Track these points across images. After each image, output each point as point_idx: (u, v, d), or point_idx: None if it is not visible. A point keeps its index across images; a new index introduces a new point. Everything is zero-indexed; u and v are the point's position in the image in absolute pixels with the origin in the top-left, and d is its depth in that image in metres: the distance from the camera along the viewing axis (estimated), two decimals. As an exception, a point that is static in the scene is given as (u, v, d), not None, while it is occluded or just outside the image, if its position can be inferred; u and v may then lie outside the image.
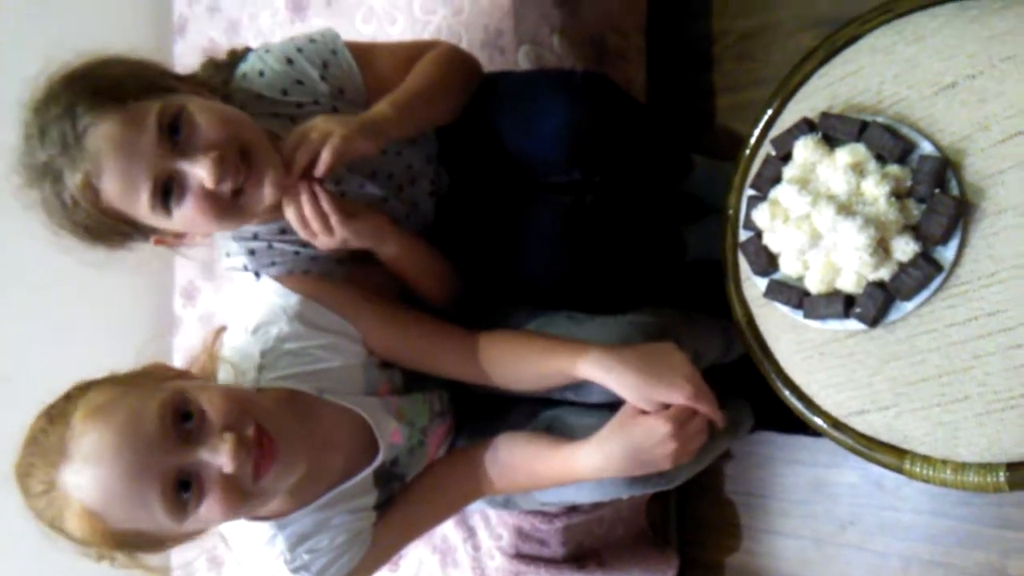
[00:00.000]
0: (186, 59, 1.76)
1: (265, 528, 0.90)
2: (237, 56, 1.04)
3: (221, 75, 1.02)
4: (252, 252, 1.02)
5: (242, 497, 0.79)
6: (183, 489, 0.76)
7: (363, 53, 1.08)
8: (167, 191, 0.85)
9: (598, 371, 0.92)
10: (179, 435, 0.76)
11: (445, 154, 1.18)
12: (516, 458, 0.99)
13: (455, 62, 1.12)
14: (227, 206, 0.88)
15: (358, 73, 1.06)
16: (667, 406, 0.91)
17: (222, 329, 0.97)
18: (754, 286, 0.94)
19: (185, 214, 0.86)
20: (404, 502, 1.01)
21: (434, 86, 1.06)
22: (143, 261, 1.81)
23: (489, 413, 1.11)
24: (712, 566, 1.50)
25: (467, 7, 1.28)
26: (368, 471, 0.95)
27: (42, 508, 0.77)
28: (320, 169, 0.89)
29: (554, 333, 1.01)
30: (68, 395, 0.79)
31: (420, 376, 1.07)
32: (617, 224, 1.14)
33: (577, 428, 0.98)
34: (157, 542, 0.80)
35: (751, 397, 1.26)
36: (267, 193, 0.89)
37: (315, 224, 0.90)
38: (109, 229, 0.86)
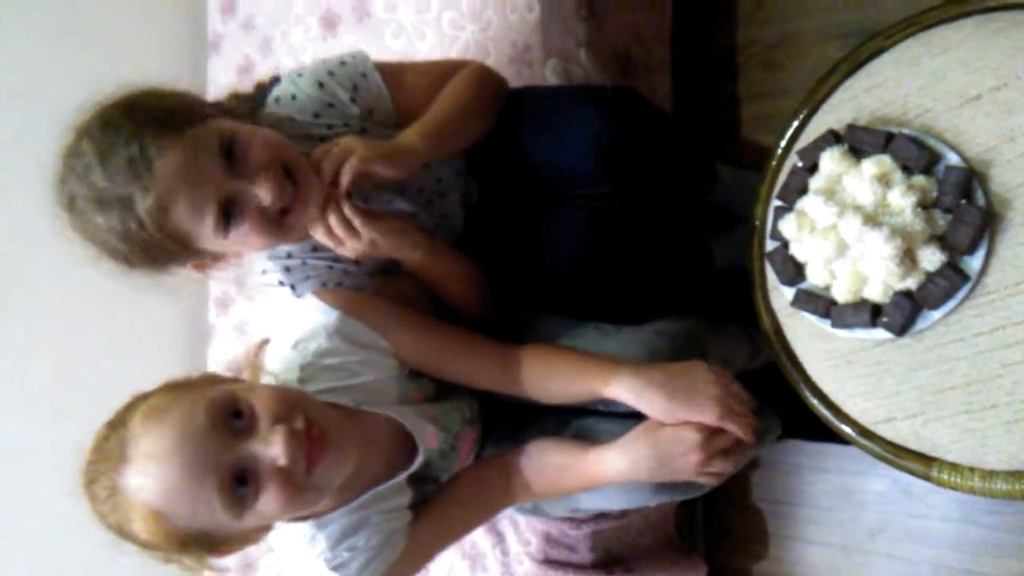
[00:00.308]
0: (220, 75, 1.81)
1: (306, 528, 0.92)
2: (264, 88, 1.08)
3: (247, 104, 1.06)
4: (288, 269, 1.05)
5: (297, 489, 0.81)
6: (240, 484, 0.78)
7: (393, 74, 1.10)
8: (228, 212, 0.89)
9: (627, 393, 0.94)
10: (232, 432, 0.79)
11: (474, 166, 1.20)
12: (545, 462, 1.01)
13: (484, 83, 1.13)
14: (278, 224, 0.92)
15: (388, 96, 1.09)
16: None
17: (265, 342, 1.00)
18: (781, 296, 0.95)
19: (241, 233, 0.90)
20: (438, 509, 1.03)
21: (464, 110, 1.09)
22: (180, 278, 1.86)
23: (517, 421, 1.13)
24: (739, 573, 1.50)
25: (495, 22, 1.31)
26: (407, 473, 0.97)
27: (107, 513, 0.79)
28: (341, 184, 0.93)
29: (583, 347, 1.02)
30: (128, 404, 0.82)
31: (451, 384, 1.09)
32: (644, 236, 1.16)
33: (605, 435, 1.00)
34: (221, 542, 0.82)
35: (778, 405, 1.27)
36: (312, 212, 0.94)
37: (340, 230, 0.94)
38: (162, 253, 0.89)
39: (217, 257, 0.97)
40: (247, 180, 0.89)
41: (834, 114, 0.93)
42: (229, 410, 0.80)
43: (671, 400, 0.92)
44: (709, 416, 0.92)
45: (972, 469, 0.84)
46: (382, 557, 0.94)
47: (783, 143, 1.00)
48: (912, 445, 0.88)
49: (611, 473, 0.96)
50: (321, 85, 1.05)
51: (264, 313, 1.73)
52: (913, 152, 0.81)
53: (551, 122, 1.10)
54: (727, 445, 0.94)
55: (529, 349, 1.03)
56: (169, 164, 0.83)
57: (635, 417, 0.97)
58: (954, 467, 0.85)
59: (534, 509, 1.13)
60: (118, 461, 0.77)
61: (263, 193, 0.89)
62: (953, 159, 0.81)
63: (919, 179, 0.81)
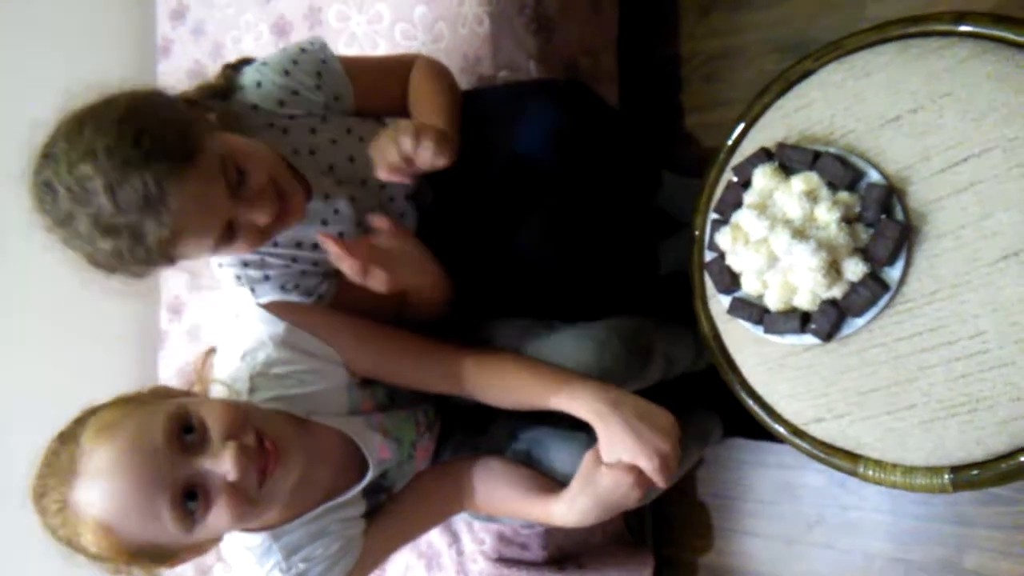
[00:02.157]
0: (169, 80, 1.80)
1: (260, 539, 0.93)
2: (230, 74, 1.08)
3: (218, 95, 1.06)
4: (245, 264, 1.06)
5: (248, 503, 0.82)
6: (190, 499, 0.79)
7: (350, 65, 1.12)
8: (228, 233, 0.91)
9: (590, 415, 0.96)
10: (183, 447, 0.80)
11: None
12: (496, 495, 1.05)
13: (448, 74, 1.18)
14: (267, 234, 0.96)
15: (348, 82, 1.11)
16: None
17: (211, 351, 1.01)
18: (719, 303, 1.00)
19: (234, 248, 0.94)
20: (391, 514, 1.05)
21: (455, 98, 1.14)
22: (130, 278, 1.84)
23: (473, 428, 1.16)
24: (686, 566, 1.55)
25: (447, 35, 1.34)
26: (360, 487, 0.98)
27: (58, 526, 0.79)
28: (434, 163, 0.96)
29: (540, 349, 1.04)
30: (78, 418, 0.83)
31: (403, 393, 1.10)
32: (597, 234, 1.20)
33: (556, 462, 1.04)
34: (171, 554, 0.83)
35: (720, 406, 1.32)
36: (294, 221, 0.98)
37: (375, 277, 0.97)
38: (152, 270, 0.90)
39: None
40: (246, 204, 0.91)
41: (767, 132, 0.98)
42: (181, 426, 0.81)
43: (627, 436, 0.93)
44: (647, 464, 0.93)
45: (894, 465, 0.90)
46: (340, 565, 0.96)
47: (720, 159, 1.05)
48: (840, 443, 0.93)
49: (562, 523, 1.00)
50: (286, 72, 1.06)
51: (216, 318, 1.72)
52: (838, 170, 0.87)
53: (503, 115, 1.13)
54: (660, 477, 0.96)
55: (488, 356, 1.04)
56: (184, 198, 0.84)
57: (583, 433, 1.01)
58: (878, 463, 0.90)
59: (487, 516, 1.16)
60: (68, 475, 0.78)
61: (261, 216, 0.92)
62: (874, 176, 0.86)
63: (843, 195, 0.86)
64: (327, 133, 1.09)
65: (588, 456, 0.97)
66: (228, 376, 0.96)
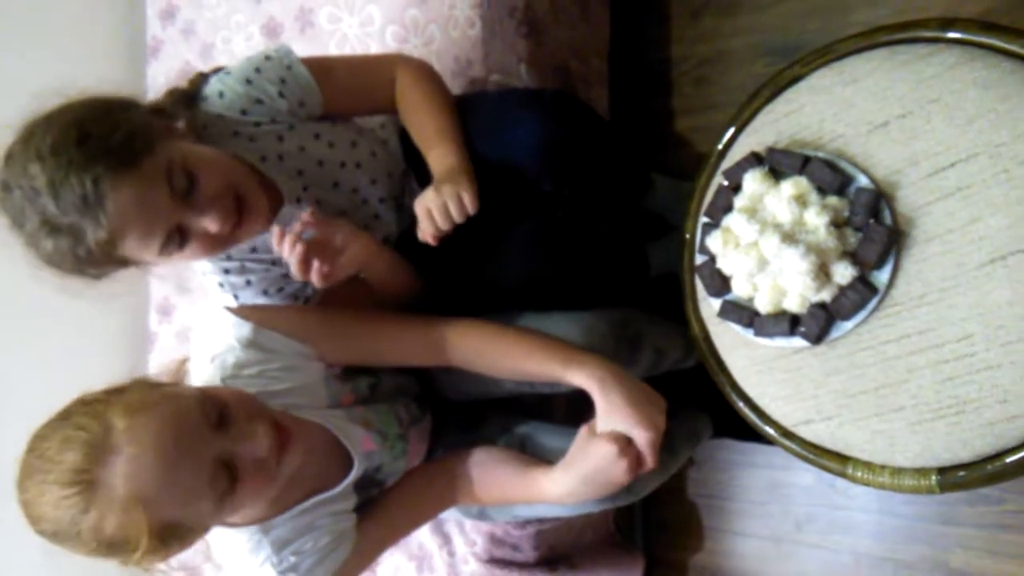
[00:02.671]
0: (159, 80, 1.79)
1: (249, 534, 0.94)
2: (197, 84, 1.08)
3: (184, 103, 1.06)
4: (227, 271, 1.07)
5: (271, 480, 0.85)
6: (222, 476, 0.81)
7: (320, 68, 1.11)
8: (175, 238, 0.92)
9: (589, 381, 0.96)
10: (212, 427, 0.82)
11: (417, 171, 1.22)
12: (489, 477, 1.05)
13: (433, 76, 1.18)
14: (225, 241, 0.96)
15: (316, 87, 1.10)
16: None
17: (184, 361, 1.01)
18: (710, 306, 1.01)
19: (187, 254, 0.94)
20: (384, 510, 1.06)
21: (449, 103, 1.15)
22: (120, 280, 1.83)
23: (464, 422, 1.16)
24: (676, 565, 1.56)
25: (438, 37, 1.34)
26: (349, 480, 0.99)
27: (79, 515, 0.77)
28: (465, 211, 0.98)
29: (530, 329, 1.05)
30: (90, 401, 0.82)
31: (385, 388, 1.11)
32: (585, 241, 1.20)
33: (550, 452, 1.04)
34: (186, 535, 0.84)
35: (710, 407, 1.33)
36: (258, 228, 0.98)
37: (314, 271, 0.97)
38: (105, 271, 0.92)
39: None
40: (196, 211, 0.91)
41: (756, 137, 0.99)
42: (215, 406, 0.83)
43: (626, 405, 0.94)
44: (643, 434, 0.93)
45: (883, 466, 0.91)
46: (332, 559, 0.97)
47: (711, 163, 1.06)
48: (829, 445, 0.94)
49: (553, 497, 1.00)
50: (248, 81, 1.06)
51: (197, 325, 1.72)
52: (827, 175, 0.88)
53: (493, 124, 1.13)
54: (647, 446, 0.96)
55: (479, 324, 1.05)
56: (121, 201, 0.85)
57: (574, 423, 1.02)
58: (867, 465, 0.91)
59: (480, 514, 1.16)
60: (102, 454, 0.76)
61: (212, 224, 0.92)
62: (863, 181, 0.87)
63: (832, 200, 0.87)
64: (295, 140, 1.09)
65: (582, 429, 0.98)
66: (201, 380, 0.97)
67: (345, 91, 1.14)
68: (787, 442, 0.97)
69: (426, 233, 0.99)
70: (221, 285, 1.08)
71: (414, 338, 1.06)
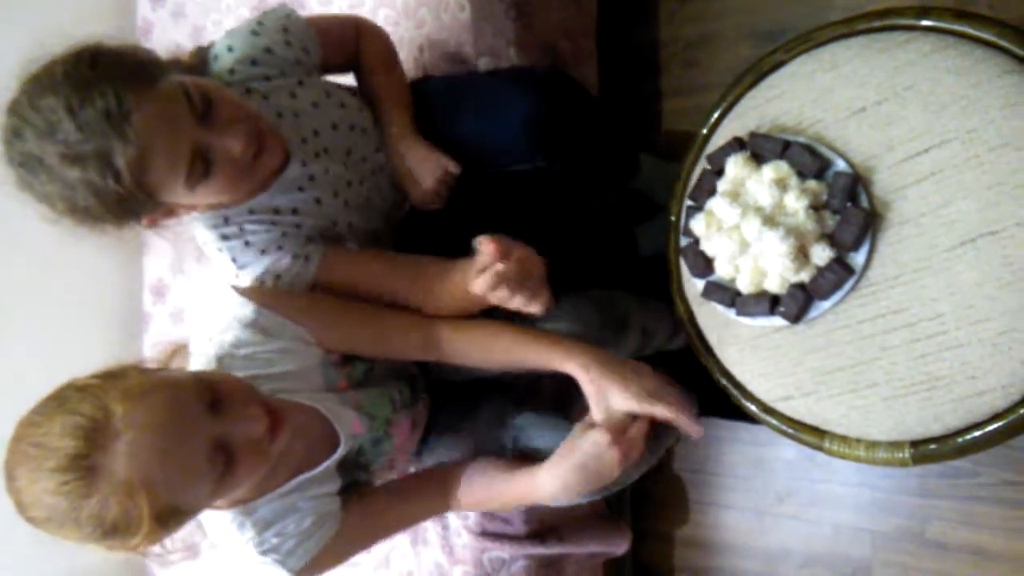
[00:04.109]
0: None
1: (232, 515, 0.95)
2: (203, 53, 1.09)
3: (199, 71, 1.06)
4: (225, 237, 1.05)
5: (266, 461, 0.87)
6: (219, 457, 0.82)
7: (308, 22, 1.14)
8: (200, 163, 0.90)
9: (577, 369, 1.00)
10: (210, 409, 0.83)
11: None
12: (481, 481, 1.07)
13: (392, 48, 1.24)
14: (248, 172, 0.96)
15: (314, 35, 1.12)
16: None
17: (177, 348, 1.01)
18: (694, 286, 1.04)
19: (212, 185, 0.92)
20: (373, 508, 1.06)
21: (404, 74, 1.21)
22: (113, 261, 1.84)
23: (457, 410, 1.19)
24: (663, 537, 1.61)
25: (428, 21, 1.35)
26: (331, 461, 1.00)
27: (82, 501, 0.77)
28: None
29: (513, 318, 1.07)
30: (88, 388, 0.80)
31: (380, 372, 1.12)
32: (576, 222, 1.22)
33: (540, 445, 1.07)
34: (183, 517, 0.84)
35: (695, 385, 1.36)
36: (275, 162, 0.99)
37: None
38: (129, 207, 0.88)
39: (171, 212, 0.97)
40: (217, 131, 0.90)
41: (739, 122, 1.01)
42: (209, 390, 0.83)
43: (614, 383, 0.97)
44: (641, 405, 0.97)
45: (858, 440, 0.94)
46: (312, 540, 0.97)
47: (695, 146, 1.08)
48: (807, 420, 0.97)
49: (545, 494, 1.01)
50: (255, 33, 1.07)
51: (199, 300, 1.74)
52: (806, 159, 0.90)
53: (485, 102, 1.15)
54: (640, 432, 0.99)
55: (468, 320, 1.08)
56: (147, 114, 0.83)
57: (566, 416, 1.06)
58: (843, 439, 0.95)
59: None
60: (104, 439, 0.76)
61: (234, 143, 0.91)
62: (841, 165, 0.90)
63: (811, 183, 0.90)
64: (307, 97, 1.10)
65: (577, 425, 1.00)
66: (198, 360, 0.97)
67: (328, 45, 1.16)
68: (768, 417, 1.01)
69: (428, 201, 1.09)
70: (220, 251, 1.06)
71: (409, 333, 1.08)
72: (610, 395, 0.98)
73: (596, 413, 0.99)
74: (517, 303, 0.99)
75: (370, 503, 1.06)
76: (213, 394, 0.84)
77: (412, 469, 1.24)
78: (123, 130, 0.82)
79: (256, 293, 1.02)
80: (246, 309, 0.98)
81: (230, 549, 0.97)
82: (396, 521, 1.10)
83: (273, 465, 0.92)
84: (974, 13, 0.87)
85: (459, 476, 1.08)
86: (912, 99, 0.87)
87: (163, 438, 0.78)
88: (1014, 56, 0.86)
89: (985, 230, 0.82)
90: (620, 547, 1.44)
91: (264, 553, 0.95)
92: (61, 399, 0.80)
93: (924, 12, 0.90)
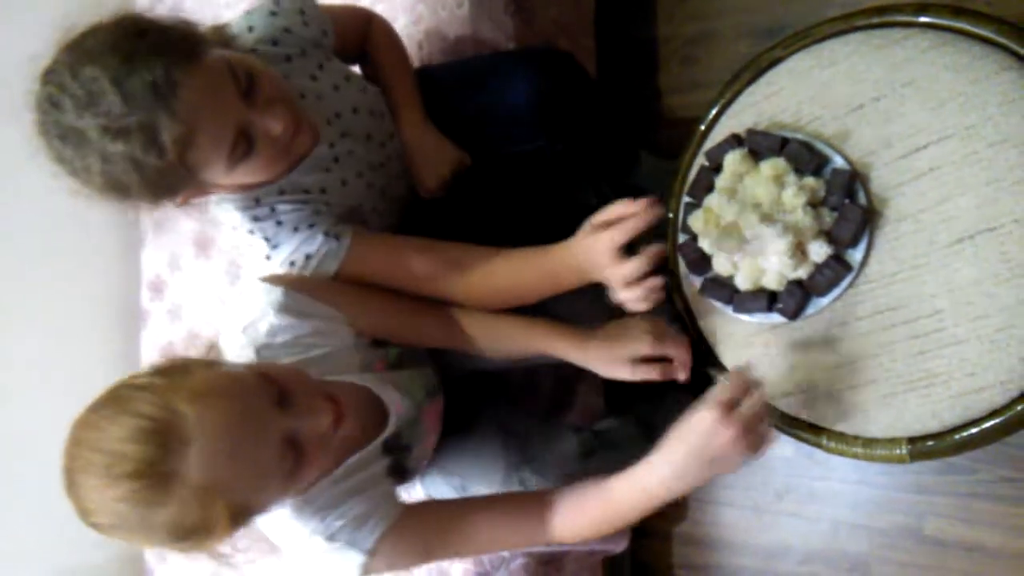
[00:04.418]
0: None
1: (292, 509, 0.91)
2: (223, 31, 1.06)
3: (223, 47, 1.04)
4: (256, 218, 1.03)
5: (331, 450, 0.85)
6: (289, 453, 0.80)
7: (323, 11, 1.14)
8: (242, 142, 0.88)
9: (572, 349, 1.03)
10: (277, 405, 0.80)
11: None
12: (587, 494, 0.96)
13: (401, 43, 1.24)
14: (285, 152, 0.94)
15: (329, 20, 1.12)
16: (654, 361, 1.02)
17: (213, 346, 0.99)
18: (692, 283, 1.04)
19: (251, 164, 0.91)
20: (465, 520, 0.98)
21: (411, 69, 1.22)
22: (111, 257, 1.84)
23: (459, 414, 1.18)
24: (661, 534, 1.61)
25: (426, 16, 1.35)
26: (383, 437, 0.98)
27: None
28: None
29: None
30: (159, 389, 0.77)
31: (411, 355, 1.12)
32: (577, 216, 1.22)
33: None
34: (255, 516, 0.82)
35: (694, 383, 1.36)
36: (309, 142, 0.98)
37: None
38: (169, 183, 0.86)
39: (203, 191, 0.95)
40: (259, 110, 0.89)
41: (737, 118, 1.01)
42: (273, 384, 0.81)
43: (607, 348, 1.01)
44: (645, 346, 0.98)
45: (856, 437, 0.94)
46: (377, 518, 0.93)
47: (693, 143, 1.08)
48: (804, 416, 0.97)
49: (658, 486, 0.89)
50: (273, 13, 1.05)
51: (198, 297, 1.74)
52: (804, 156, 0.90)
53: (488, 82, 1.16)
54: (750, 412, 0.84)
55: (479, 312, 1.08)
56: (194, 89, 0.81)
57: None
58: (840, 436, 0.94)
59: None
60: (178, 444, 0.73)
61: (276, 123, 0.90)
62: (839, 162, 0.90)
63: (809, 180, 0.90)
64: (328, 79, 1.10)
65: (708, 415, 0.85)
66: (233, 352, 0.95)
67: (339, 34, 1.15)
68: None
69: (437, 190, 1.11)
70: (251, 232, 1.03)
71: (430, 320, 1.08)
72: (601, 360, 1.01)
73: (605, 370, 1.02)
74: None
75: (465, 522, 0.98)
76: (278, 389, 0.82)
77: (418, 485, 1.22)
78: (171, 105, 0.79)
79: (281, 278, 1.00)
80: (275, 293, 0.95)
81: (294, 548, 0.94)
82: (487, 547, 1.01)
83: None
84: (972, 10, 0.87)
85: (562, 496, 0.97)
86: (910, 96, 0.87)
87: (236, 440, 0.76)
88: (1012, 53, 0.86)
89: (983, 226, 0.82)
90: (619, 545, 1.44)
91: (331, 539, 0.91)
92: (121, 400, 0.77)
93: (922, 8, 0.90)
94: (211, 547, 0.79)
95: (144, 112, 0.78)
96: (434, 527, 0.97)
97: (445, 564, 1.32)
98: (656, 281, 0.92)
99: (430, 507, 1.00)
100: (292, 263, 1.03)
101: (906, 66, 0.88)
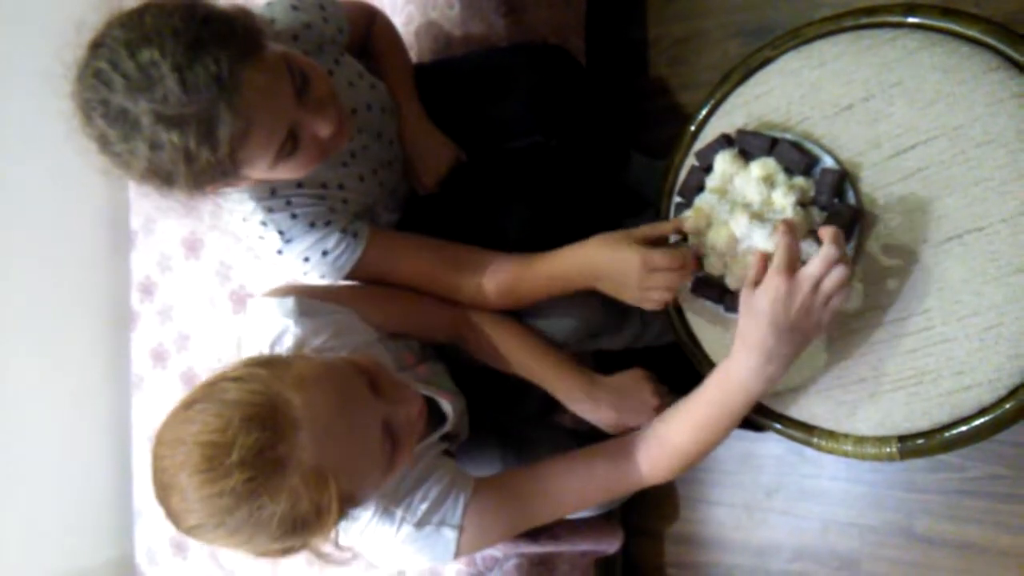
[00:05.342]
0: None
1: (373, 504, 0.90)
2: (266, 20, 1.05)
3: None
4: (270, 209, 1.00)
5: (417, 440, 0.85)
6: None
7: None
8: (287, 142, 0.87)
9: (573, 405, 1.07)
10: (372, 392, 0.80)
11: None
12: (678, 409, 0.94)
13: (401, 42, 1.25)
14: (324, 153, 0.93)
15: (345, 17, 1.12)
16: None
17: None
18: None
19: (292, 163, 0.89)
20: (549, 481, 0.95)
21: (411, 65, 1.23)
22: (100, 259, 1.83)
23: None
24: (653, 534, 1.61)
25: (417, 17, 1.35)
26: (442, 431, 0.98)
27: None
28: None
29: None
30: (262, 379, 0.75)
31: (432, 350, 1.12)
32: (570, 215, 1.23)
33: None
34: (355, 508, 0.82)
35: (683, 380, 1.36)
36: (344, 143, 0.97)
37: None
38: (214, 176, 0.84)
39: (238, 183, 0.92)
40: (311, 112, 0.87)
41: (728, 118, 1.02)
42: (364, 372, 0.81)
43: (614, 414, 1.06)
44: (645, 420, 1.01)
45: (846, 435, 0.94)
46: (456, 491, 0.92)
47: (684, 143, 1.08)
48: (795, 415, 0.98)
49: (751, 382, 0.85)
50: (295, 8, 1.04)
51: (190, 298, 1.73)
52: (794, 156, 0.91)
53: (485, 78, 1.16)
54: (816, 268, 0.79)
55: (488, 320, 1.08)
56: (255, 87, 0.79)
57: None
58: (830, 434, 0.95)
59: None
60: (289, 430, 0.72)
61: (325, 126, 0.88)
62: (828, 162, 0.91)
63: (799, 180, 0.90)
64: (343, 75, 1.10)
65: (743, 294, 0.83)
66: None
67: (352, 27, 1.16)
68: (755, 414, 1.01)
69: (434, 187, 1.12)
70: (264, 224, 1.00)
71: (436, 319, 1.08)
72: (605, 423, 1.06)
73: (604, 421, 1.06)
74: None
75: (528, 474, 0.96)
76: (369, 378, 0.81)
77: None
78: (233, 99, 0.77)
79: (287, 289, 0.98)
80: (287, 303, 0.93)
81: (387, 550, 0.92)
82: (568, 493, 0.95)
83: None
84: (960, 11, 0.87)
85: (633, 439, 0.96)
86: (899, 96, 0.88)
87: (344, 424, 0.75)
88: (1000, 53, 0.86)
89: (971, 226, 0.83)
90: (612, 546, 1.45)
91: (420, 525, 0.90)
92: (217, 391, 0.74)
93: (911, 9, 0.90)
94: (317, 540, 0.76)
95: (204, 104, 0.76)
96: (515, 493, 0.95)
97: (438, 566, 1.33)
98: (679, 275, 0.96)
99: (504, 476, 0.98)
100: (307, 259, 1.02)
101: (895, 66, 0.89)
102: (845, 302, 0.80)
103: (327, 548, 0.80)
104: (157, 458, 0.74)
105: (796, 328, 0.80)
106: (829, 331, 0.82)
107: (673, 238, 1.03)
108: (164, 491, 0.73)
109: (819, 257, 0.78)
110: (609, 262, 0.98)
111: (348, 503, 0.77)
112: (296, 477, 0.71)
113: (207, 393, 0.74)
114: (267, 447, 0.70)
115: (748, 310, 0.82)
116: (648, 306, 0.99)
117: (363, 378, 0.80)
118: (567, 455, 0.97)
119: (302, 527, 0.73)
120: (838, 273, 0.77)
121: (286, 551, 0.77)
